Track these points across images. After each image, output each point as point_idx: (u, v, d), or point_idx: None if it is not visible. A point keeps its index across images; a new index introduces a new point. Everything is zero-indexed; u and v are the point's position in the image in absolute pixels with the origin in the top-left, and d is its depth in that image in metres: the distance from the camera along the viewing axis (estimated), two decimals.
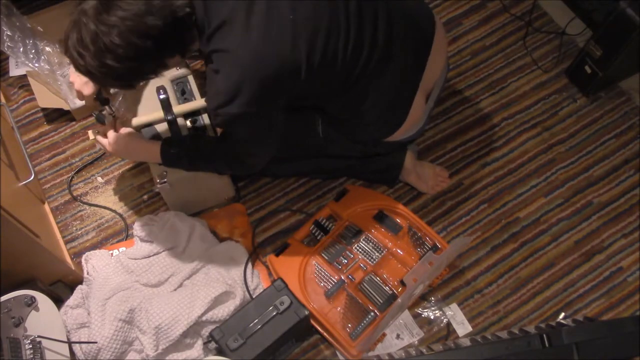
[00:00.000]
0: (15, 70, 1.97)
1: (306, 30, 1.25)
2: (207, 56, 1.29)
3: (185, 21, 1.22)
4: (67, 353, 1.35)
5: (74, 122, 1.92)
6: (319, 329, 1.53)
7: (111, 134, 1.48)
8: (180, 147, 1.47)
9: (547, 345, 1.17)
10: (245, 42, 1.22)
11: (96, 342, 1.44)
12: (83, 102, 1.55)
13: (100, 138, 1.51)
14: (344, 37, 1.29)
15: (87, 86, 1.43)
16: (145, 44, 1.18)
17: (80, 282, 1.60)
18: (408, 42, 1.41)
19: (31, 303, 1.35)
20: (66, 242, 1.74)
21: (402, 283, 1.54)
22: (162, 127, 1.58)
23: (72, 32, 1.19)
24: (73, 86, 1.45)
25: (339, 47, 1.30)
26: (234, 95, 1.26)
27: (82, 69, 1.24)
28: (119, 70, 1.21)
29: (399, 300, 1.44)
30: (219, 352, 1.45)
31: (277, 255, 1.62)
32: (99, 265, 1.61)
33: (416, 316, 1.61)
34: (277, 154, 1.48)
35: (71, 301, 1.55)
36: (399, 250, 1.61)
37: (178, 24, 1.20)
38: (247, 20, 1.22)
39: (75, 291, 1.57)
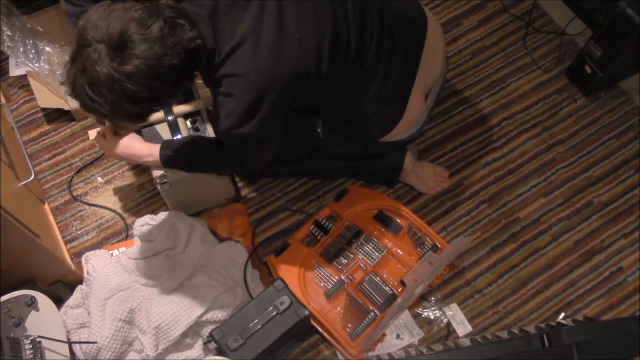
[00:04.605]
0: (15, 70, 1.97)
1: (312, 44, 1.27)
2: (215, 80, 1.29)
3: (196, 52, 1.20)
4: (67, 353, 1.35)
5: (74, 122, 1.92)
6: (319, 329, 1.53)
7: (111, 136, 1.48)
8: (180, 149, 1.47)
9: (547, 345, 1.17)
10: (256, 64, 1.23)
11: (96, 342, 1.44)
12: None
13: (100, 140, 1.50)
14: (346, 41, 1.32)
15: None
16: (164, 85, 1.16)
17: (80, 282, 1.60)
18: (400, 37, 1.42)
19: (31, 303, 1.35)
20: (66, 242, 1.74)
21: (402, 283, 1.54)
22: (162, 127, 1.58)
23: (80, 79, 1.14)
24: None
25: (342, 52, 1.32)
26: (249, 116, 1.28)
27: (93, 112, 1.20)
28: (134, 111, 1.19)
29: (399, 300, 1.44)
30: (219, 352, 1.45)
31: (277, 255, 1.62)
32: (99, 265, 1.61)
33: (416, 316, 1.61)
34: (278, 154, 1.48)
35: (71, 301, 1.55)
36: (399, 250, 1.61)
37: (190, 57, 1.18)
38: (255, 44, 1.23)
39: (75, 291, 1.57)
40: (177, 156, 1.46)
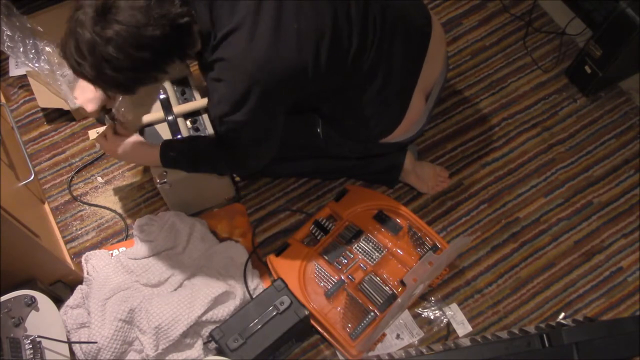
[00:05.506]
0: (15, 70, 1.97)
1: (311, 38, 1.26)
2: (208, 64, 1.29)
3: (184, 29, 1.20)
4: (67, 353, 1.35)
5: (74, 122, 1.92)
6: (319, 329, 1.53)
7: (111, 136, 1.48)
8: (180, 149, 1.47)
9: (547, 345, 1.17)
10: (250, 50, 1.23)
11: (96, 342, 1.44)
12: None
13: (100, 139, 1.50)
14: (347, 39, 1.31)
15: (90, 104, 1.42)
16: (143, 55, 1.17)
17: (80, 282, 1.60)
18: (403, 39, 1.41)
19: (31, 303, 1.35)
20: (66, 242, 1.74)
21: (402, 283, 1.54)
22: (162, 127, 1.58)
23: (69, 40, 1.17)
24: (77, 101, 1.45)
25: (343, 51, 1.31)
26: (240, 103, 1.26)
27: (80, 76, 1.23)
28: (117, 79, 1.20)
29: (399, 300, 1.44)
30: (219, 352, 1.45)
31: (277, 255, 1.62)
32: (99, 265, 1.61)
33: (416, 316, 1.61)
34: (278, 154, 1.48)
35: (71, 301, 1.55)
36: (399, 250, 1.61)
37: (176, 33, 1.19)
38: (252, 30, 1.22)
39: (75, 291, 1.57)
40: (177, 156, 1.46)
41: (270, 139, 1.41)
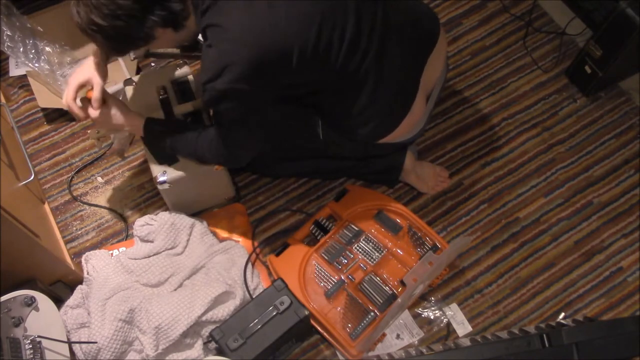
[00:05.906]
0: (15, 70, 1.97)
1: (301, 19, 1.25)
2: (203, 32, 1.29)
3: None
4: (67, 353, 1.35)
5: (74, 122, 1.92)
6: (319, 329, 1.53)
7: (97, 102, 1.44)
8: (166, 125, 1.47)
9: (547, 345, 1.17)
10: (239, 19, 1.23)
11: (96, 342, 1.44)
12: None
13: (85, 104, 1.45)
14: (340, 30, 1.29)
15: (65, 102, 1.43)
16: (126, 2, 1.19)
17: (80, 282, 1.60)
18: (406, 40, 1.41)
19: (31, 303, 1.34)
20: (66, 242, 1.74)
21: (402, 283, 1.54)
22: None
23: None
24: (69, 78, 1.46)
25: (334, 40, 1.29)
26: (222, 70, 1.25)
27: (79, 27, 1.26)
28: (106, 29, 1.23)
29: (399, 300, 1.44)
30: (219, 352, 1.45)
31: (277, 255, 1.62)
32: (99, 265, 1.61)
33: (416, 316, 1.61)
34: (277, 154, 1.48)
35: (71, 301, 1.55)
36: (399, 250, 1.61)
37: None
38: (246, 3, 1.22)
39: (75, 291, 1.56)
40: (160, 131, 1.46)
41: (254, 127, 1.39)
